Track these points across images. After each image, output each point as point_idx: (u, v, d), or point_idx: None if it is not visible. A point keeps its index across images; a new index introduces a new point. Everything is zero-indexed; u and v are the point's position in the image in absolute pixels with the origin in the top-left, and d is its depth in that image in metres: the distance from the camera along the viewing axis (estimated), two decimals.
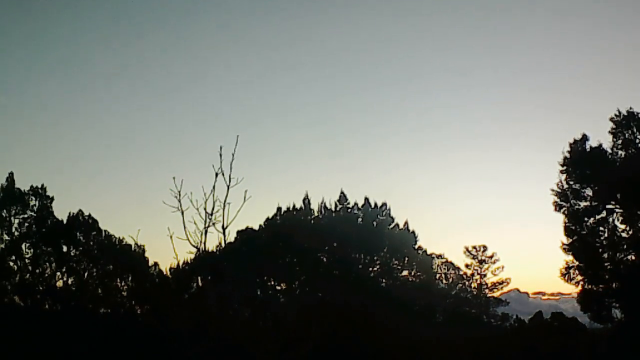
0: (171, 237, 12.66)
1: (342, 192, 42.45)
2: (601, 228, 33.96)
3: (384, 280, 41.76)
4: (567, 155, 34.78)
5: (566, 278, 35.06)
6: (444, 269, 55.89)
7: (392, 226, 42.60)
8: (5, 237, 38.81)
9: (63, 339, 33.64)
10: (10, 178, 39.98)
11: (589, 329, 43.69)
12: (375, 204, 42.45)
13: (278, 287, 38.75)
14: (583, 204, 34.31)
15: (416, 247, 44.16)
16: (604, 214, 33.91)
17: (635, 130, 33.69)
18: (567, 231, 34.54)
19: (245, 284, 33.12)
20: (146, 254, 41.34)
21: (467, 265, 58.18)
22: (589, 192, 34.24)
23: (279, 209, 41.76)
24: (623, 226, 33.57)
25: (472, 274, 58.09)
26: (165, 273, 41.22)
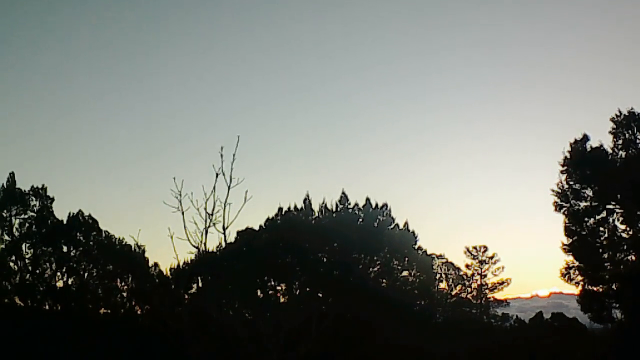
0: (171, 237, 12.67)
1: (343, 193, 42.45)
2: (601, 228, 33.93)
3: (384, 281, 41.73)
4: (568, 155, 34.74)
5: (566, 278, 35.05)
6: (444, 269, 55.88)
7: (392, 226, 42.56)
8: (6, 237, 38.81)
9: (63, 339, 33.62)
10: (11, 178, 39.99)
11: (589, 329, 43.66)
12: (376, 204, 42.41)
13: (278, 288, 38.70)
14: (583, 204, 34.27)
15: (416, 247, 44.16)
16: (604, 214, 33.87)
17: (635, 130, 33.64)
18: (567, 231, 34.51)
19: (246, 284, 33.10)
20: (146, 254, 41.34)
21: (467, 266, 58.17)
22: (589, 192, 34.20)
23: (279, 209, 41.72)
24: (623, 226, 33.53)
25: (473, 275, 58.06)
26: (165, 273, 41.21)
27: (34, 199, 39.86)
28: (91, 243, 40.36)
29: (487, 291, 58.33)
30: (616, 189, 33.17)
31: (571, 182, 34.46)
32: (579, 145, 34.67)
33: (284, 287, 38.72)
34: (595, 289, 34.35)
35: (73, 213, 40.51)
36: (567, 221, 34.53)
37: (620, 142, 33.86)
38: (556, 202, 34.82)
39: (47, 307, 39.07)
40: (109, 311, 40.15)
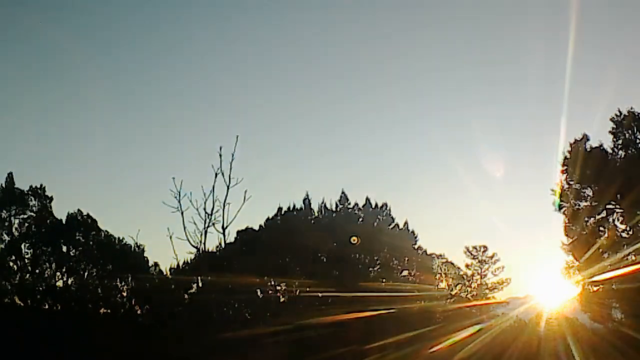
0: (171, 237, 12.70)
1: (342, 192, 42.47)
2: (601, 228, 33.93)
3: (384, 281, 41.75)
4: (568, 155, 34.74)
5: (566, 278, 35.06)
6: (444, 269, 55.77)
7: (392, 226, 42.57)
8: (5, 237, 38.81)
9: (63, 339, 33.60)
10: (10, 178, 39.96)
11: (588, 329, 43.59)
12: (376, 204, 42.42)
13: (278, 288, 38.72)
14: (583, 204, 34.27)
15: (416, 247, 44.14)
16: (604, 214, 33.86)
17: (635, 130, 33.63)
18: (567, 231, 34.53)
19: (245, 284, 33.12)
20: (146, 254, 41.30)
21: (467, 266, 57.99)
22: (589, 192, 34.20)
23: (279, 209, 41.73)
24: (623, 226, 33.54)
25: (473, 275, 57.92)
26: (165, 273, 41.19)
27: (33, 198, 39.85)
28: (91, 243, 40.34)
29: (487, 291, 58.24)
30: (616, 188, 33.16)
31: (571, 182, 34.46)
32: (578, 145, 34.65)
33: (284, 287, 38.75)
34: (595, 289, 34.35)
35: (72, 213, 40.51)
36: (567, 221, 34.54)
37: (620, 142, 33.84)
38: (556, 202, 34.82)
39: (46, 307, 39.07)
40: (109, 311, 40.12)
